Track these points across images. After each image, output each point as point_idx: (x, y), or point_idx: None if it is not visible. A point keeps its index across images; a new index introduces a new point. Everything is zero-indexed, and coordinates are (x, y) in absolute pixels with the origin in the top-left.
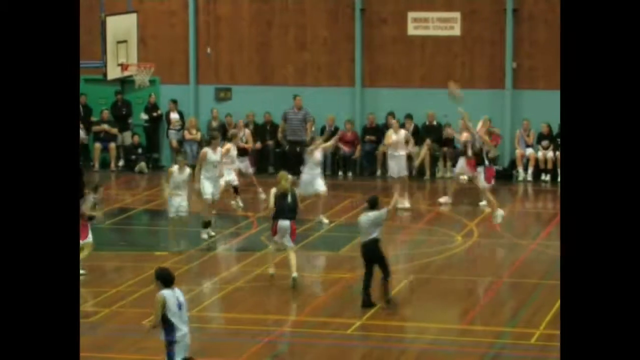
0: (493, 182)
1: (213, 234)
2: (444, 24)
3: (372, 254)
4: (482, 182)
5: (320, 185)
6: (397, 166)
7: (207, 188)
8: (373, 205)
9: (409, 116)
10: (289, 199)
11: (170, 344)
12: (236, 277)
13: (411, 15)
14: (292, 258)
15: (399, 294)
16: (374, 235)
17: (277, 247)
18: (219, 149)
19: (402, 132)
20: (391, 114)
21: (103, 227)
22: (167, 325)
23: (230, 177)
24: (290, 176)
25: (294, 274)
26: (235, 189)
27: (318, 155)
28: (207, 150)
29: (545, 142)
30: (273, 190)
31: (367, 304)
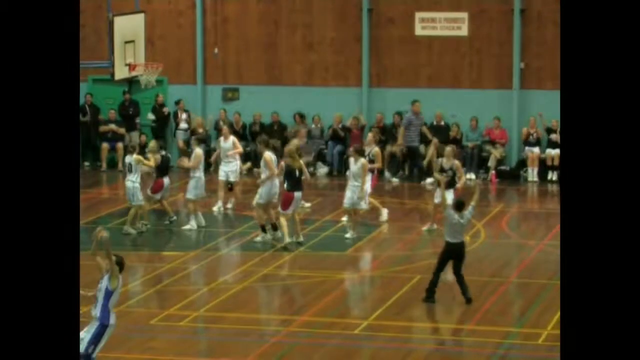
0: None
1: (259, 239)
2: (451, 24)
3: (461, 253)
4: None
5: None
6: (352, 197)
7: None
8: (461, 206)
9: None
10: (297, 173)
11: (103, 328)
12: (243, 277)
13: (419, 15)
14: (296, 221)
15: (406, 293)
16: (464, 235)
17: (287, 218)
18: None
19: (361, 160)
20: (398, 114)
21: (110, 227)
22: (107, 308)
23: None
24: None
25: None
26: (231, 187)
27: None
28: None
29: (554, 135)
30: (282, 163)
31: (431, 299)
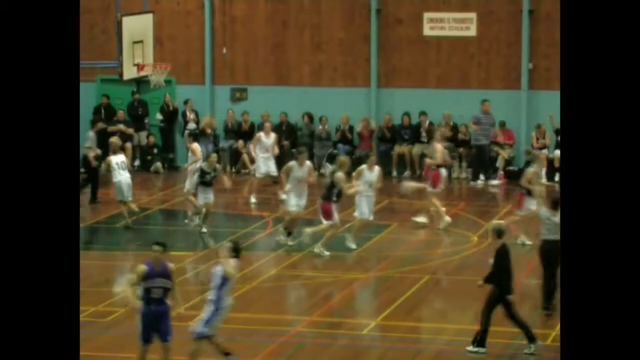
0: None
1: (291, 243)
2: (459, 25)
3: (557, 255)
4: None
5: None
6: (367, 207)
7: (292, 200)
8: (557, 204)
9: (423, 113)
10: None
11: (217, 310)
12: (251, 277)
13: (427, 15)
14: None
15: (414, 294)
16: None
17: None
18: (306, 163)
19: (377, 168)
20: (407, 114)
21: (119, 226)
22: (220, 291)
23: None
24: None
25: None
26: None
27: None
28: (293, 164)
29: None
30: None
31: (548, 308)
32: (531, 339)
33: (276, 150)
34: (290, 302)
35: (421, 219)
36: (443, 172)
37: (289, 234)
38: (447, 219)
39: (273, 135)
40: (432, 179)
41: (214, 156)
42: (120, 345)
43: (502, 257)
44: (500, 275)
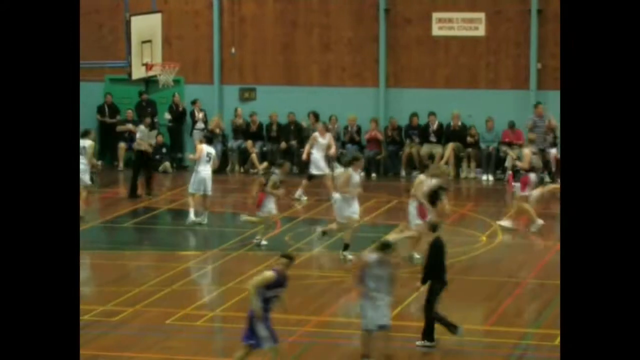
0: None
1: (350, 257)
2: (468, 25)
3: None
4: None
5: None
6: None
7: (346, 210)
8: None
9: (432, 114)
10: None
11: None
12: None
13: (436, 15)
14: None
15: (423, 294)
16: None
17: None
18: (359, 170)
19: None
20: (415, 114)
21: (126, 226)
22: None
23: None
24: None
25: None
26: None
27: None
28: (351, 172)
29: None
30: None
31: None
32: (430, 336)
33: (333, 150)
34: (299, 302)
35: (506, 223)
36: (532, 176)
37: (346, 246)
38: (539, 221)
39: (328, 135)
40: (521, 183)
41: (287, 164)
42: (126, 345)
43: (436, 250)
44: (435, 268)
